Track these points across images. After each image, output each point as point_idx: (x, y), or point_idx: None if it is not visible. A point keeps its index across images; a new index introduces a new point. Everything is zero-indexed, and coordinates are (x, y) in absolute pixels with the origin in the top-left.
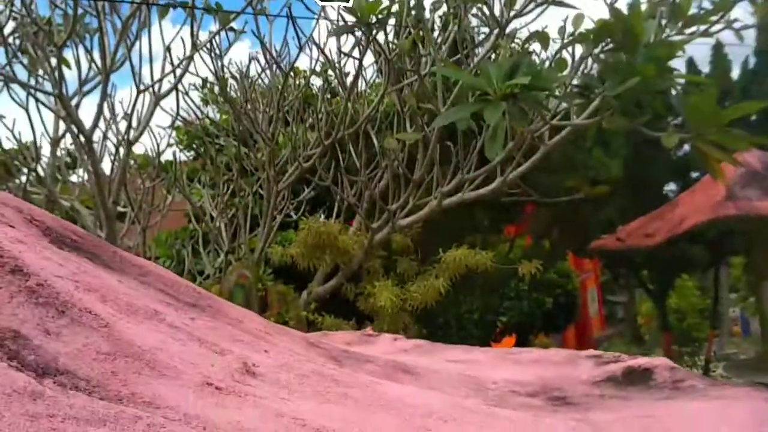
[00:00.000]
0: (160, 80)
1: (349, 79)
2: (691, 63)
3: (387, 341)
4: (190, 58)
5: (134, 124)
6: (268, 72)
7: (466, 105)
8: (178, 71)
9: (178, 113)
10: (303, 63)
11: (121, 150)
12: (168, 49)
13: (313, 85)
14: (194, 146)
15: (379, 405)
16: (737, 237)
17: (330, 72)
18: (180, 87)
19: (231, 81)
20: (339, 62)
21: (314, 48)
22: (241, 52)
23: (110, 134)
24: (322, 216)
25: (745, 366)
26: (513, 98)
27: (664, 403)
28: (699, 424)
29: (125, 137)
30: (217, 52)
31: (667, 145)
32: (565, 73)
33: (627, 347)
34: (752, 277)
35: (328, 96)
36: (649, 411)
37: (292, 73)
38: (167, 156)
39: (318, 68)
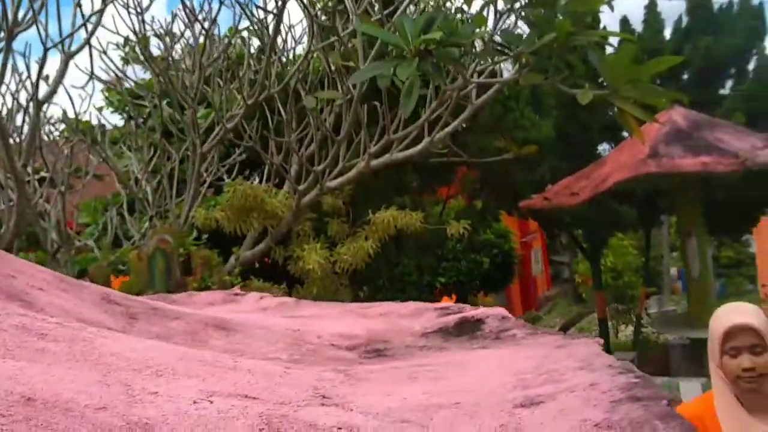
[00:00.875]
0: (70, 36)
1: (281, 41)
2: (625, 21)
3: (251, 300)
4: (101, 12)
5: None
6: (189, 30)
7: (382, 62)
8: (90, 28)
9: (92, 72)
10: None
11: (31, 110)
12: (78, 4)
13: (244, 45)
14: (125, 109)
15: (84, 359)
16: (665, 196)
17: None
18: (98, 46)
19: (157, 40)
20: (259, 18)
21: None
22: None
23: (23, 95)
24: (257, 179)
25: (673, 321)
26: (427, 54)
27: (466, 352)
28: (471, 369)
29: (34, 97)
30: (138, 9)
31: (582, 101)
32: (484, 29)
33: (569, 306)
34: (679, 234)
35: (255, 55)
36: (439, 359)
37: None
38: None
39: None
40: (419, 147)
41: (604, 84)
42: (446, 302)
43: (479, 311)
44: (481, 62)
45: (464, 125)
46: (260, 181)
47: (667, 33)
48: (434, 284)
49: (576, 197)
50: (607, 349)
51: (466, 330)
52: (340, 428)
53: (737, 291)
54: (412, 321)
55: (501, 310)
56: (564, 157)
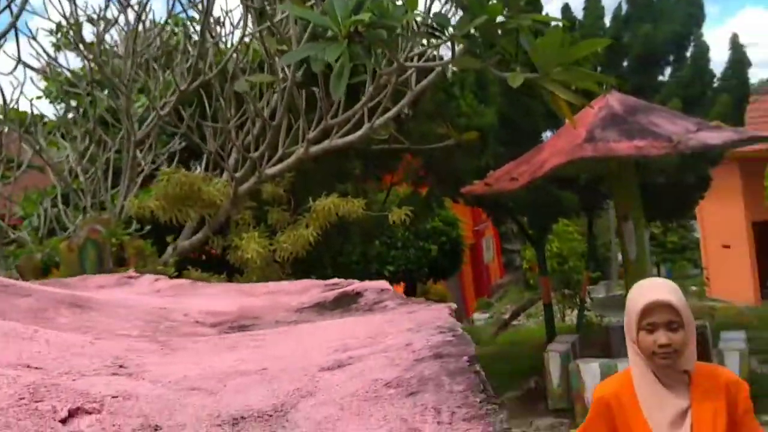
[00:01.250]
0: None
1: (218, 27)
2: (566, 9)
3: (145, 282)
4: None
5: None
6: (122, 16)
7: (312, 43)
8: (15, 11)
9: (19, 58)
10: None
11: None
12: None
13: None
14: (63, 99)
15: None
16: (605, 180)
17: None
18: (28, 31)
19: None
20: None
21: None
22: None
23: None
24: (198, 168)
25: (614, 304)
26: (357, 36)
27: (321, 323)
28: (304, 337)
29: None
30: None
31: (513, 84)
32: (416, 11)
33: (520, 293)
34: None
35: (191, 40)
36: (287, 330)
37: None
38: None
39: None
40: (359, 133)
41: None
42: (339, 281)
43: (359, 285)
44: (419, 46)
45: (407, 112)
46: (204, 170)
47: (608, 21)
48: (382, 273)
49: (515, 182)
50: (552, 332)
51: (343, 303)
52: (115, 396)
53: (682, 275)
54: (295, 297)
55: (381, 283)
56: (508, 143)
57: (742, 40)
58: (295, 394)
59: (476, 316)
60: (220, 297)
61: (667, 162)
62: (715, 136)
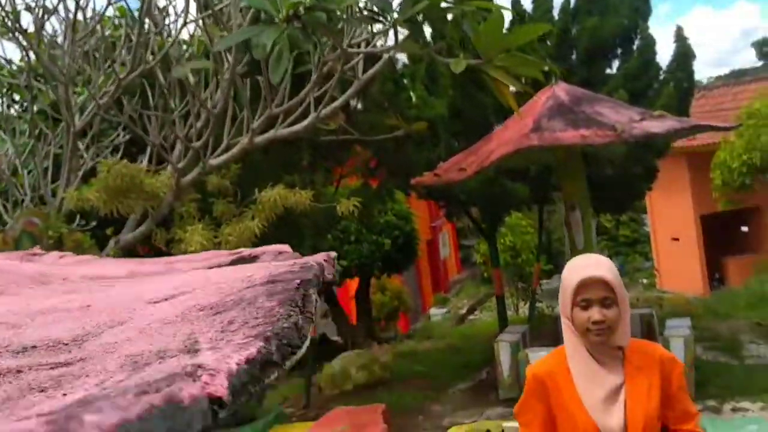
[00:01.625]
0: None
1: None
2: (516, 1)
3: (50, 258)
4: None
5: None
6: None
7: (250, 27)
8: None
9: None
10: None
11: None
12: None
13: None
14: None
15: None
16: (554, 172)
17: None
18: None
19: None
20: None
21: None
22: None
23: None
24: (145, 160)
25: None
26: (296, 20)
27: (188, 273)
28: (159, 281)
29: None
30: None
31: (455, 69)
32: None
33: (477, 288)
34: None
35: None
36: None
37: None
38: None
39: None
40: (305, 123)
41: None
42: (243, 250)
43: (258, 249)
44: (364, 33)
45: (356, 103)
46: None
47: (557, 14)
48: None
49: (463, 172)
50: (504, 324)
51: (238, 264)
52: None
53: (633, 268)
54: (193, 263)
55: (280, 247)
56: (459, 136)
57: (692, 39)
58: (106, 324)
59: (433, 311)
60: (114, 265)
61: (615, 152)
62: (659, 125)
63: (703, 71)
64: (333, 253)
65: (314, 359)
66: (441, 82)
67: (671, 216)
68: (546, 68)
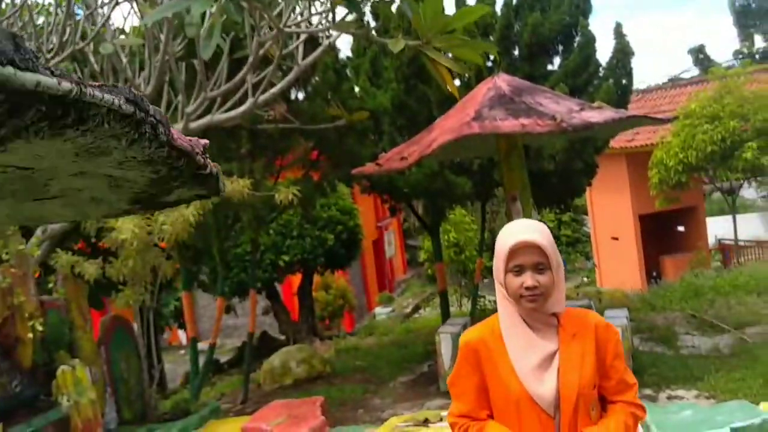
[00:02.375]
0: None
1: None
2: None
3: None
4: None
5: None
6: None
7: (179, 0)
8: None
9: None
10: None
11: None
12: None
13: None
14: None
15: None
16: (496, 166)
17: None
18: None
19: None
20: None
21: None
22: None
23: None
24: None
25: None
26: None
27: None
28: None
29: None
30: None
31: (394, 49)
32: None
33: (422, 287)
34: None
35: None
36: None
37: None
38: None
39: None
40: (242, 108)
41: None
42: None
43: None
44: (305, 12)
45: (297, 93)
46: None
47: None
48: (277, 263)
49: (405, 161)
50: (447, 318)
51: None
52: None
53: (575, 267)
54: None
55: None
56: (402, 130)
57: (638, 44)
58: None
59: (378, 310)
60: None
61: (555, 146)
62: (597, 115)
63: (646, 76)
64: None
65: (253, 355)
66: (384, 76)
67: (611, 216)
68: (486, 51)
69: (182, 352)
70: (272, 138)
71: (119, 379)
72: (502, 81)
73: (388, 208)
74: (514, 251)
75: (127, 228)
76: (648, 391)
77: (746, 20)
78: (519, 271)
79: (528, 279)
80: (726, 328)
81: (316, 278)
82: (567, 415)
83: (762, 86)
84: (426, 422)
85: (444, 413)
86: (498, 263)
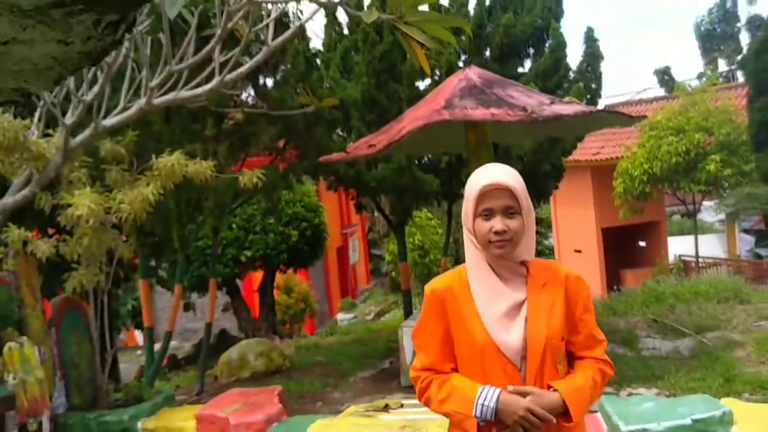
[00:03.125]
0: None
1: None
2: None
3: None
4: None
5: None
6: None
7: None
8: None
9: None
10: None
11: None
12: None
13: None
14: None
15: None
16: (465, 165)
17: None
18: None
19: None
20: None
21: None
22: None
23: None
24: (35, 122)
25: None
26: None
27: None
28: None
29: None
30: None
31: (367, 20)
32: None
33: (385, 296)
34: None
35: None
36: None
37: None
38: None
39: None
40: (208, 86)
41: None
42: None
43: None
44: None
45: (267, 79)
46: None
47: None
48: (239, 257)
49: (373, 148)
50: (408, 315)
51: None
52: None
53: None
54: None
55: None
56: (371, 126)
57: (604, 64)
58: None
59: (340, 316)
60: None
61: (523, 146)
62: (568, 108)
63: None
64: None
65: (211, 352)
66: (356, 70)
67: (575, 229)
68: (459, 28)
69: (139, 352)
70: (238, 123)
71: (70, 363)
72: (473, 73)
73: (354, 204)
74: (484, 194)
75: (83, 204)
76: (608, 389)
77: (711, 44)
78: (488, 215)
79: (497, 223)
80: (687, 332)
81: (279, 278)
82: (533, 365)
83: (726, 102)
84: (386, 408)
85: (406, 401)
86: (467, 207)
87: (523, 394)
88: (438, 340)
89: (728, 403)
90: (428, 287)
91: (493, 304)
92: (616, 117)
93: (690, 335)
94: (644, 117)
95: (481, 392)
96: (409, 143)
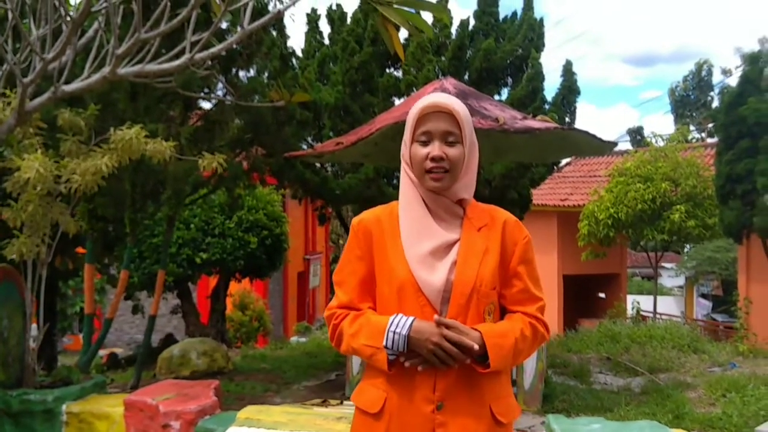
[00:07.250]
0: None
1: None
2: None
3: None
4: None
5: None
6: None
7: None
8: None
9: None
10: None
11: None
12: None
13: None
14: None
15: None
16: None
17: None
18: None
19: None
20: None
21: None
22: None
23: None
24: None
25: None
26: None
27: None
28: None
29: None
30: None
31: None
32: None
33: None
34: None
35: None
36: None
37: None
38: None
39: None
40: (177, 62)
41: None
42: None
43: None
44: None
45: (239, 71)
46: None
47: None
48: (193, 259)
49: (340, 145)
50: None
51: None
52: None
53: None
54: None
55: None
56: (342, 134)
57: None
58: None
59: (294, 339)
60: None
61: (492, 170)
62: (539, 123)
63: None
64: None
65: (153, 351)
66: (332, 79)
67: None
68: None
69: None
70: (206, 111)
71: None
72: (449, 83)
73: (318, 216)
74: (424, 116)
75: (31, 166)
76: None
77: (684, 109)
78: (426, 141)
79: (435, 149)
80: (639, 370)
81: (234, 288)
82: (455, 310)
83: (695, 155)
84: (325, 402)
85: (346, 401)
86: (406, 134)
87: (445, 327)
88: (359, 278)
89: None
90: (356, 219)
91: (420, 242)
92: (589, 138)
93: (642, 374)
94: (616, 143)
95: (393, 320)
96: (376, 152)
